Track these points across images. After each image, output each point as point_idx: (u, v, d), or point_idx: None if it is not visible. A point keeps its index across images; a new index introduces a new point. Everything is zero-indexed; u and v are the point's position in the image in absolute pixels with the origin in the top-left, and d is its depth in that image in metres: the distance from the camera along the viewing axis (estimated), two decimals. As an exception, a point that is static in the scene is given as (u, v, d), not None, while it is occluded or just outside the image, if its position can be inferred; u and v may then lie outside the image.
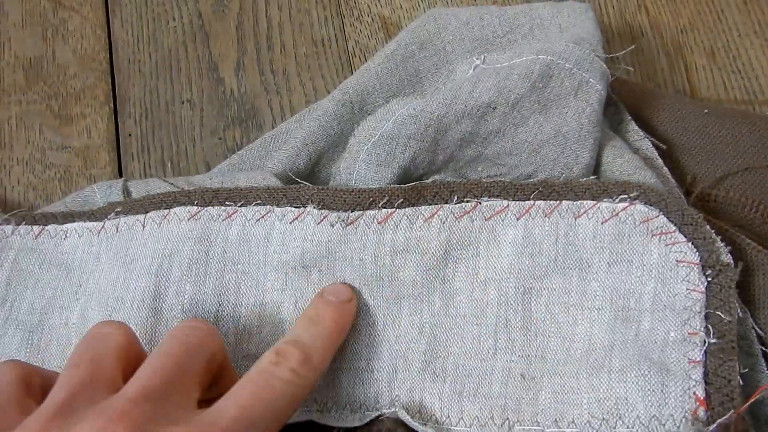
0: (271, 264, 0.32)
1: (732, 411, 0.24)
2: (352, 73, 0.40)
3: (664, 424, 0.25)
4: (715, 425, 0.24)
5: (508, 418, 0.29)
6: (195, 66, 0.44)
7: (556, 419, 0.28)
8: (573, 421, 0.27)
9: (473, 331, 0.30)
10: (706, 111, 0.36)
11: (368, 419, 0.30)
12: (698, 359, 0.26)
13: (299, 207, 0.32)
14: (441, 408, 0.30)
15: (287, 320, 0.32)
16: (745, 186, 0.33)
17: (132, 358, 0.26)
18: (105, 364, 0.25)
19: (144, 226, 0.33)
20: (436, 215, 0.31)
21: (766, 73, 0.43)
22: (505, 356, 0.30)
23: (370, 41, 0.44)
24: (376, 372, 0.31)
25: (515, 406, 0.29)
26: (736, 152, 0.34)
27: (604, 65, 0.33)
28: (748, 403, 0.24)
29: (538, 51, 0.32)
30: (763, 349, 0.27)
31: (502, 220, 0.31)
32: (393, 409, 0.30)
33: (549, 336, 0.30)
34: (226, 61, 0.44)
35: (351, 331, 0.31)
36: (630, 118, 0.35)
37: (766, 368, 0.27)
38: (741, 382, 0.25)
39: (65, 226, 0.35)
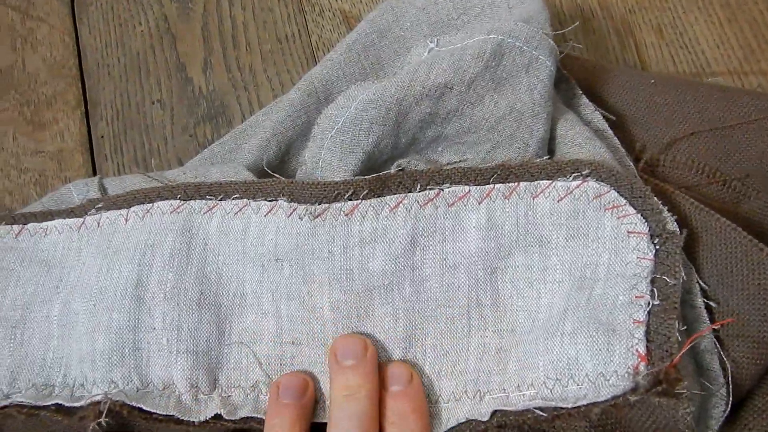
0: (249, 256, 0.33)
1: (666, 362, 0.26)
2: (317, 66, 0.41)
3: (608, 380, 0.27)
4: (647, 374, 0.25)
5: (479, 390, 0.30)
6: (163, 67, 0.45)
7: (518, 384, 0.29)
8: (532, 384, 0.29)
9: (446, 313, 0.32)
10: (653, 81, 0.38)
11: None
12: (642, 319, 0.27)
13: (272, 200, 0.33)
14: None
15: (269, 311, 0.33)
16: (690, 150, 0.35)
17: None
18: None
19: (127, 220, 0.34)
20: (401, 204, 0.32)
21: (711, 47, 0.45)
22: (479, 333, 0.31)
23: (333, 35, 0.46)
24: None
25: (486, 378, 0.30)
26: (681, 118, 0.36)
27: (552, 42, 0.34)
28: (679, 355, 0.26)
29: (489, 31, 0.34)
30: (705, 300, 0.29)
31: (465, 206, 0.32)
32: None
33: (517, 311, 0.31)
34: (193, 61, 0.45)
35: (331, 326, 0.32)
36: (581, 92, 0.37)
37: (707, 318, 0.29)
38: (679, 338, 0.27)
39: (45, 224, 0.36)
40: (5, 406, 0.32)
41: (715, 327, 0.28)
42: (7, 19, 0.47)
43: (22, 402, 0.31)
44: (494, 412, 0.29)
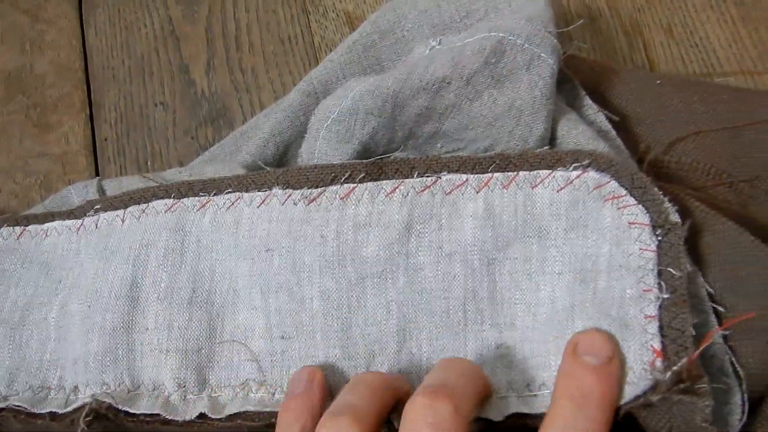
0: (241, 249, 0.33)
1: (685, 359, 0.25)
2: (318, 67, 0.41)
3: (624, 377, 0.26)
4: (670, 373, 0.25)
5: None
6: (167, 69, 0.45)
7: (528, 384, 0.28)
8: (544, 383, 0.28)
9: (441, 305, 0.31)
10: (659, 81, 0.37)
11: None
12: (653, 314, 0.27)
13: (266, 191, 0.33)
14: None
15: (258, 307, 0.32)
16: (697, 151, 0.34)
17: None
18: None
19: (123, 221, 0.34)
20: (397, 189, 0.32)
21: (723, 46, 0.44)
22: (476, 327, 0.30)
23: (336, 36, 0.45)
24: (353, 359, 0.31)
25: (490, 374, 0.29)
26: (688, 119, 0.35)
27: (555, 40, 0.34)
28: (699, 350, 0.25)
29: (490, 29, 0.33)
30: (713, 305, 0.28)
31: (462, 194, 0.32)
32: None
33: (515, 303, 0.30)
34: (196, 62, 0.45)
35: (321, 317, 0.31)
36: (584, 93, 0.36)
37: (716, 322, 0.28)
38: (693, 332, 0.26)
39: (45, 226, 0.36)
40: (2, 409, 0.32)
41: (736, 321, 0.27)
42: (17, 22, 0.47)
43: (19, 407, 0.32)
44: (510, 416, 0.28)
